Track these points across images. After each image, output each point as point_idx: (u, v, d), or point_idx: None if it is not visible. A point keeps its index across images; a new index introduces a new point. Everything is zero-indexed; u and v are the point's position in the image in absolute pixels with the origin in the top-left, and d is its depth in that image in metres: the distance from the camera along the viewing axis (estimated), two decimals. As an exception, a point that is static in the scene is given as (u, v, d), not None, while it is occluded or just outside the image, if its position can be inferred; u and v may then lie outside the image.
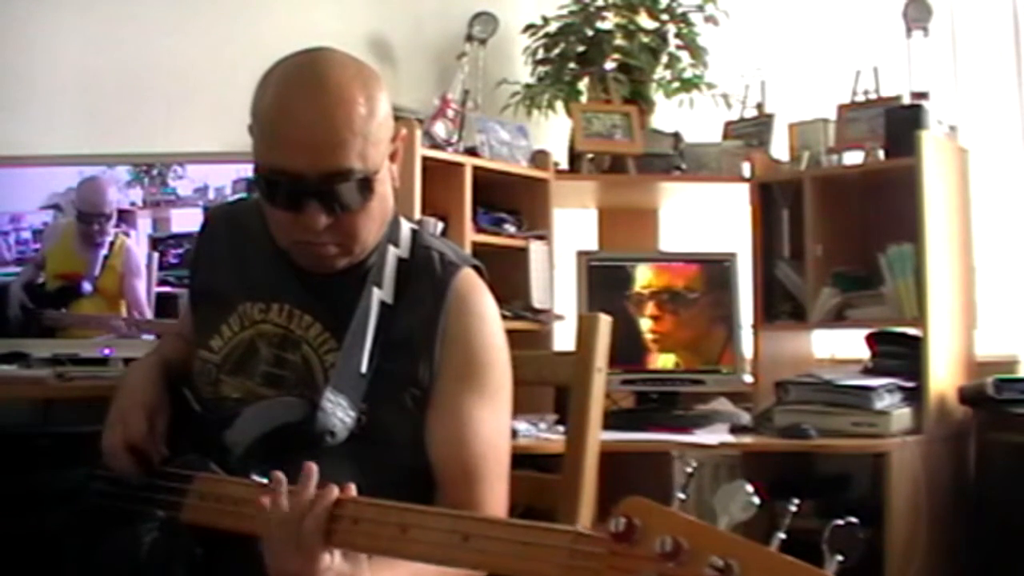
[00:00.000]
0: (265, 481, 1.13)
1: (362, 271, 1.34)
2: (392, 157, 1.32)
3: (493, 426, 1.33)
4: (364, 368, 1.28)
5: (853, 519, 0.78)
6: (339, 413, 1.24)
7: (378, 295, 1.31)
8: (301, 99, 1.22)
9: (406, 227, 1.40)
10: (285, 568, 1.04)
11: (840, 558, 0.76)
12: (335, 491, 1.04)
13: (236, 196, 2.36)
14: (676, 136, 3.31)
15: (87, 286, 2.41)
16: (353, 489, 1.06)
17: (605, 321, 1.51)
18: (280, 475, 1.07)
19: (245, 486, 1.15)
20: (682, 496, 0.85)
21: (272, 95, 1.25)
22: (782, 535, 0.79)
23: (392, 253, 1.35)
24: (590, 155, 3.24)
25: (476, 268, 1.40)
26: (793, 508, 0.82)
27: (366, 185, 1.25)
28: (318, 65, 1.26)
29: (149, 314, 2.41)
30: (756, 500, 0.83)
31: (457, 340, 1.32)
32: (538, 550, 0.89)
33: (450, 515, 1.00)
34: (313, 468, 1.06)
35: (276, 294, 1.36)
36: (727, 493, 0.84)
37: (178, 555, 1.18)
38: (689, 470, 0.85)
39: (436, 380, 1.31)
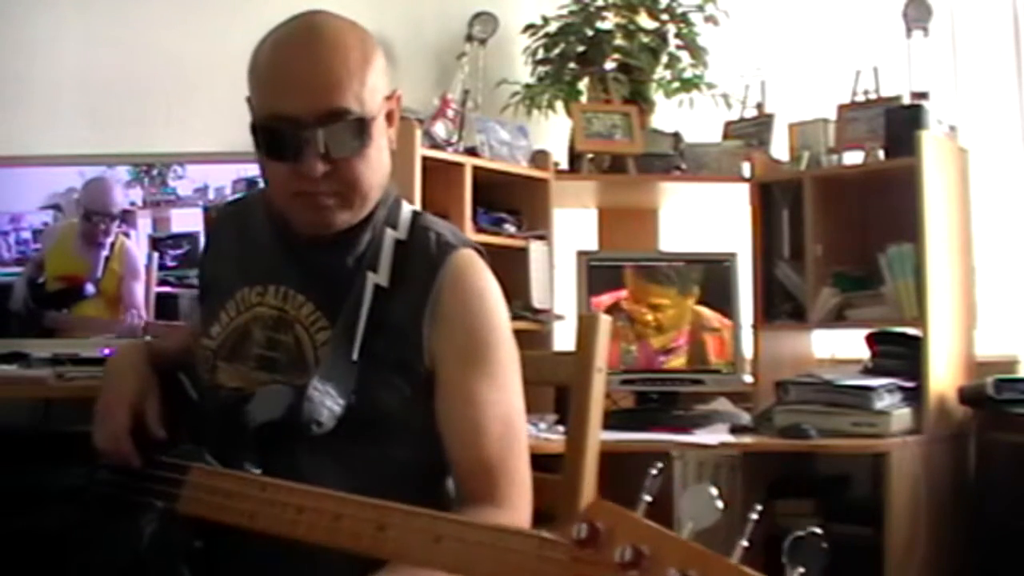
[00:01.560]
0: (258, 472, 1.14)
1: (357, 253, 1.33)
2: (389, 119, 1.33)
3: (506, 407, 1.31)
4: (355, 356, 1.27)
5: (816, 529, 0.77)
6: (327, 402, 1.23)
7: (372, 279, 1.30)
8: (298, 47, 1.25)
9: (407, 209, 1.40)
10: None
11: (801, 570, 0.76)
12: None
13: (236, 195, 2.36)
14: (676, 136, 3.31)
15: (90, 288, 2.41)
16: None
17: (605, 321, 1.51)
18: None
19: (237, 479, 1.15)
20: (648, 499, 0.84)
21: (269, 49, 1.27)
22: (744, 543, 0.78)
23: (390, 236, 1.34)
24: (590, 155, 3.24)
25: (477, 251, 1.38)
26: (755, 516, 0.81)
27: (363, 128, 1.25)
28: (314, 18, 1.29)
29: (147, 316, 2.41)
30: (720, 504, 0.82)
31: (453, 321, 1.30)
32: (507, 554, 0.90)
33: (426, 515, 1.00)
34: None
35: (274, 276, 1.36)
36: (691, 497, 0.83)
37: (177, 546, 1.19)
38: (654, 472, 0.83)
39: (439, 366, 1.30)
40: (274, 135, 1.25)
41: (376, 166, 1.30)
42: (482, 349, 1.31)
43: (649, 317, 3.08)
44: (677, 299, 3.09)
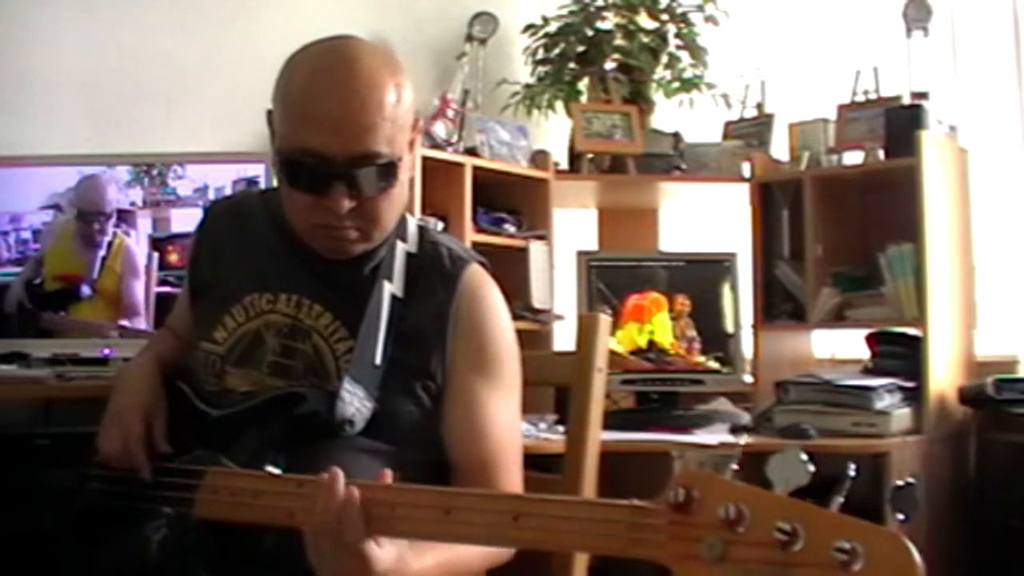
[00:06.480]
0: (279, 472, 1.13)
1: (372, 264, 1.36)
2: (410, 146, 1.33)
3: (508, 416, 1.36)
4: (379, 360, 1.29)
5: (912, 479, 0.81)
6: (356, 403, 1.26)
7: (389, 288, 1.33)
8: (333, 81, 1.24)
9: (412, 223, 1.43)
10: (337, 572, 1.05)
11: (901, 516, 0.78)
12: (355, 492, 1.03)
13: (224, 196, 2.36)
14: (676, 136, 3.31)
15: (86, 289, 2.41)
16: (389, 476, 1.06)
17: (605, 321, 1.51)
18: (318, 480, 1.06)
19: (260, 478, 1.14)
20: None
21: (302, 77, 1.26)
22: (840, 499, 0.80)
23: (400, 248, 1.37)
24: (590, 155, 3.24)
25: (482, 264, 1.42)
26: (852, 473, 0.84)
27: (391, 170, 1.26)
28: (348, 50, 1.28)
29: (146, 316, 2.41)
30: (811, 467, 0.85)
31: (470, 332, 1.34)
32: (597, 525, 0.90)
33: (497, 496, 1.00)
34: (338, 472, 1.05)
35: (284, 284, 1.37)
36: (781, 462, 0.86)
37: (192, 550, 1.19)
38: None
39: (450, 372, 1.33)
40: (301, 168, 1.25)
41: (397, 201, 1.32)
42: (493, 360, 1.35)
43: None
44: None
